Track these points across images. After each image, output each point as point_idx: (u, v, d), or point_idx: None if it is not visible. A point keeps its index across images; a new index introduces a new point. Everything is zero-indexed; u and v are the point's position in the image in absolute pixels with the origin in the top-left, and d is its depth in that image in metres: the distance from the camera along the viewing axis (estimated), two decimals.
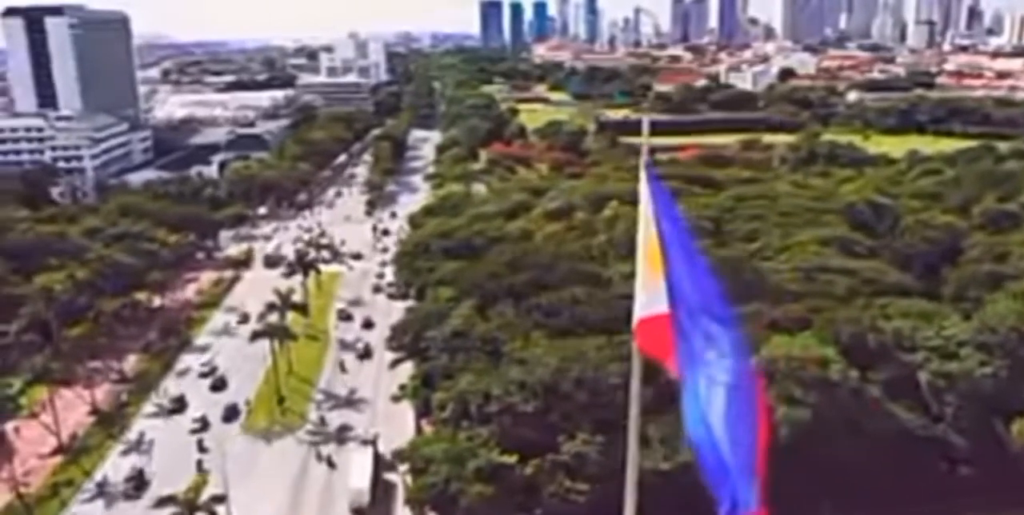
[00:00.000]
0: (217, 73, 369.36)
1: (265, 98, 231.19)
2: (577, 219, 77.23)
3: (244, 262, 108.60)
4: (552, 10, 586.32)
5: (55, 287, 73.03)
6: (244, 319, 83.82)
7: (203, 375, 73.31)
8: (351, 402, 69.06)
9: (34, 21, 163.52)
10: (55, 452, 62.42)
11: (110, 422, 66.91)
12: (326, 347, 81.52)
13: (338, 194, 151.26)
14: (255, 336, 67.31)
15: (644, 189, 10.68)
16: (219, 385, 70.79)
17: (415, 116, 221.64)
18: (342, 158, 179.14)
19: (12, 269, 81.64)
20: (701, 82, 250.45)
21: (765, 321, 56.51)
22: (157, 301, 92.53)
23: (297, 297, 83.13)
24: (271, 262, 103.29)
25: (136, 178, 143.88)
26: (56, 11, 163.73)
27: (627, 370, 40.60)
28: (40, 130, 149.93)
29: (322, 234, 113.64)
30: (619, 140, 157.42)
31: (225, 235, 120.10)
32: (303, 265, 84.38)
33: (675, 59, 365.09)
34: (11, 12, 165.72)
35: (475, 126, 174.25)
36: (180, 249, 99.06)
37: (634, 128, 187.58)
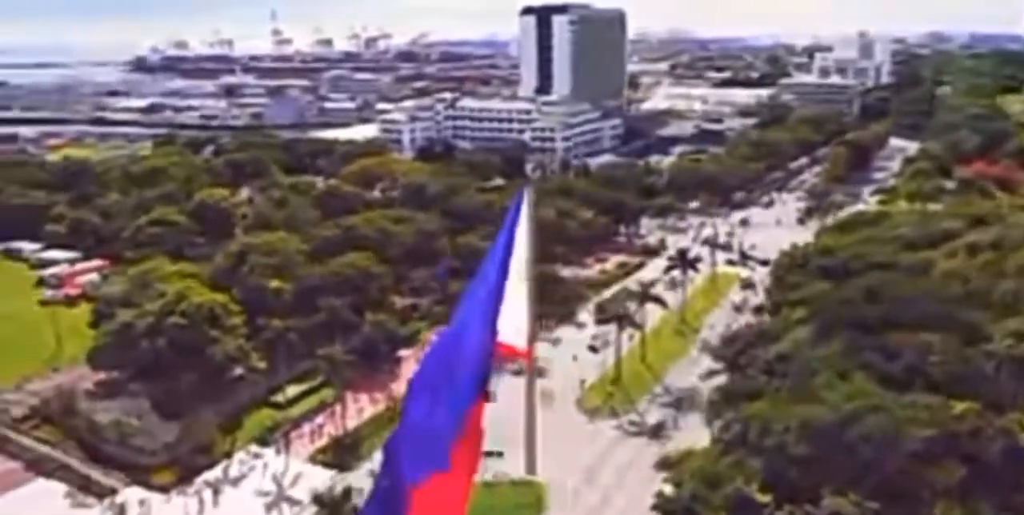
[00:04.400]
0: (720, 69, 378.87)
1: (746, 96, 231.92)
2: (982, 258, 65.37)
3: (655, 251, 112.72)
4: None
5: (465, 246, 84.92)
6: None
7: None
8: (685, 402, 68.78)
9: (543, 18, 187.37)
10: None
11: None
12: (689, 345, 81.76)
13: (777, 198, 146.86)
14: (600, 321, 70.67)
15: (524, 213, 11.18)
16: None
17: (899, 124, 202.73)
18: (801, 161, 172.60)
19: (453, 228, 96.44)
20: None
21: None
22: (563, 273, 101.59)
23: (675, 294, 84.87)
24: (601, 310, 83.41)
25: (596, 161, 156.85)
26: (562, 10, 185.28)
27: (934, 440, 35.00)
28: (528, 113, 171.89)
29: (731, 234, 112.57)
30: None
31: (650, 223, 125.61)
32: (684, 261, 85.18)
33: None
34: (528, 11, 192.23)
35: (960, 139, 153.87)
36: (595, 230, 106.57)
37: None
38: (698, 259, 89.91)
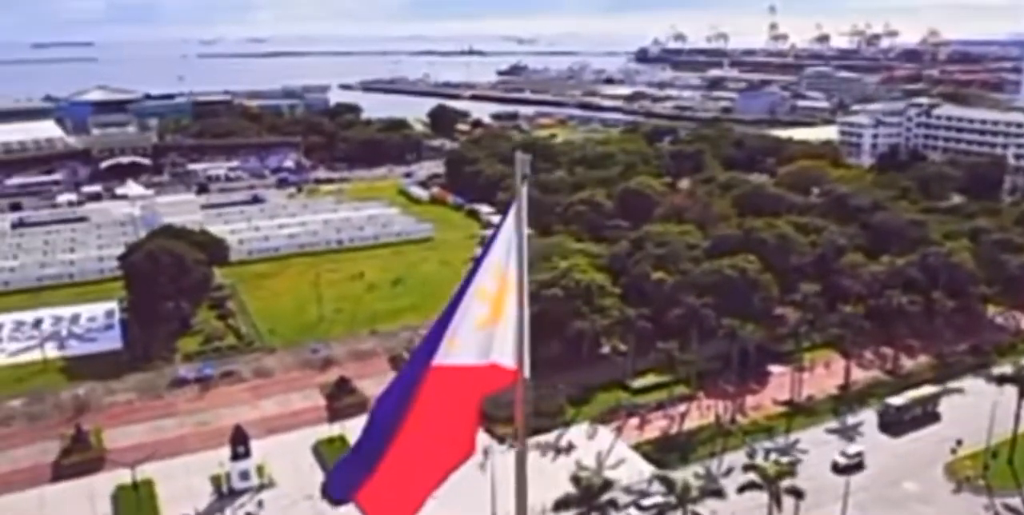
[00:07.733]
0: None
1: None
2: None
3: None
4: None
5: (867, 269, 77.68)
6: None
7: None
8: None
9: None
10: (785, 403, 69.91)
11: (844, 399, 70.25)
12: None
13: None
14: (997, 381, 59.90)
15: (510, 220, 11.57)
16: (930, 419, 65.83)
17: None
18: None
19: (865, 245, 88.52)
20: None
21: None
22: (997, 318, 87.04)
23: None
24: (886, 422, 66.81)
25: None
26: None
27: None
28: (1019, 126, 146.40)
29: None
30: None
31: None
32: None
33: None
34: None
35: None
36: None
37: None
38: None
